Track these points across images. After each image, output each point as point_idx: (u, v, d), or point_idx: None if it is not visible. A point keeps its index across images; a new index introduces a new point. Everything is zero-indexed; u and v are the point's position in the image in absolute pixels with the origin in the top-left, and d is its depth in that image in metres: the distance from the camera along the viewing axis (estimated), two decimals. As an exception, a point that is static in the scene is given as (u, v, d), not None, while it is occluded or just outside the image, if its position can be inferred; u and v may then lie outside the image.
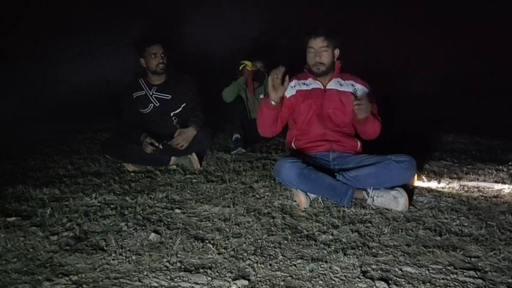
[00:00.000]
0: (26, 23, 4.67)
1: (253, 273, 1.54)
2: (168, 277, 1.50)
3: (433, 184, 2.53)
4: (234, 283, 1.47)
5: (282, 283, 1.48)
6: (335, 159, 2.39)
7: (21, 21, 4.69)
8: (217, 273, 1.53)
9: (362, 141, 2.47)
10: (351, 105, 2.37)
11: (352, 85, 2.45)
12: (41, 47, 4.79)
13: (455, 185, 2.52)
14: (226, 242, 1.77)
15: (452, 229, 1.91)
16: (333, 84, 2.44)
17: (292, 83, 2.46)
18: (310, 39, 2.36)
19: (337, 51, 2.39)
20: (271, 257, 1.66)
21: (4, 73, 4.49)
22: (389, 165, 2.17)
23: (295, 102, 2.44)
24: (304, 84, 2.47)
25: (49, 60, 4.96)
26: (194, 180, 2.61)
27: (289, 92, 2.44)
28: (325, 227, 1.92)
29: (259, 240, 1.79)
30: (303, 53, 2.43)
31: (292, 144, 2.50)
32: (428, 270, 1.56)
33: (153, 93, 2.99)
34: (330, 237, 1.83)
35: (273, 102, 2.29)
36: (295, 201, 2.22)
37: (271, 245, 1.75)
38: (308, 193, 2.17)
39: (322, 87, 2.44)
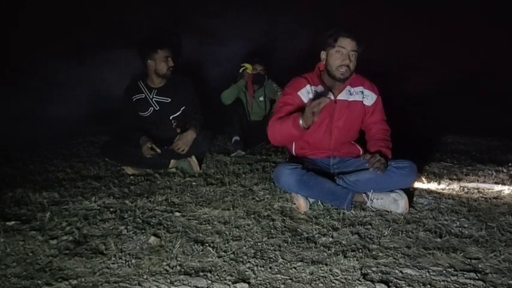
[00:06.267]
0: (31, 31, 4.68)
1: (253, 276, 1.53)
2: (168, 281, 1.50)
3: (433, 185, 2.53)
4: (234, 286, 1.47)
5: (282, 286, 1.47)
6: (335, 164, 2.38)
7: (23, 24, 4.70)
8: (217, 277, 1.53)
9: (363, 146, 2.43)
10: (359, 115, 2.34)
11: (361, 92, 2.34)
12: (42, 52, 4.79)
13: (455, 186, 2.52)
14: (226, 245, 1.77)
15: (452, 231, 1.91)
16: (344, 95, 2.30)
17: (308, 88, 2.26)
18: (343, 38, 2.15)
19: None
20: (271, 259, 1.65)
21: (5, 78, 4.49)
22: (389, 172, 2.14)
23: None
24: (316, 92, 2.26)
25: (50, 62, 4.96)
26: (194, 183, 2.61)
27: (306, 97, 2.25)
28: (325, 230, 1.92)
29: (259, 243, 1.79)
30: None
31: (293, 151, 2.45)
32: (428, 272, 1.56)
33: (153, 97, 2.99)
34: (330, 239, 1.83)
35: (304, 126, 2.02)
36: (294, 203, 2.22)
37: (271, 248, 1.75)
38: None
39: (333, 99, 2.27)
